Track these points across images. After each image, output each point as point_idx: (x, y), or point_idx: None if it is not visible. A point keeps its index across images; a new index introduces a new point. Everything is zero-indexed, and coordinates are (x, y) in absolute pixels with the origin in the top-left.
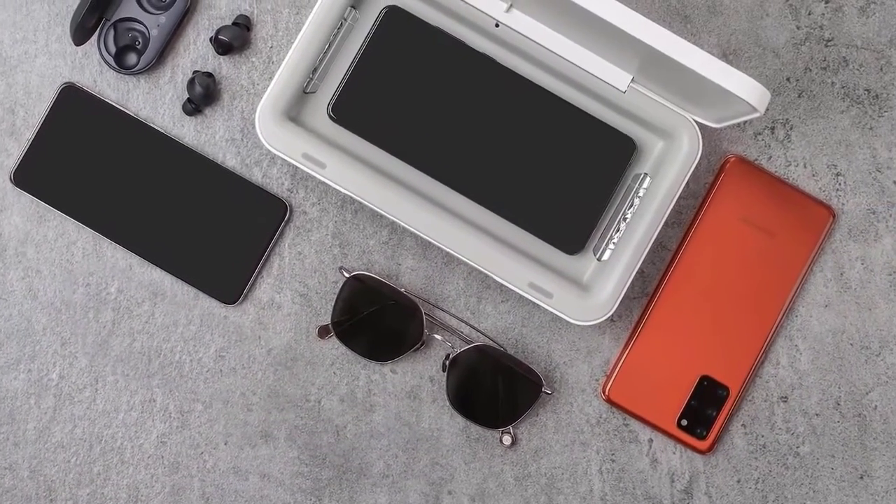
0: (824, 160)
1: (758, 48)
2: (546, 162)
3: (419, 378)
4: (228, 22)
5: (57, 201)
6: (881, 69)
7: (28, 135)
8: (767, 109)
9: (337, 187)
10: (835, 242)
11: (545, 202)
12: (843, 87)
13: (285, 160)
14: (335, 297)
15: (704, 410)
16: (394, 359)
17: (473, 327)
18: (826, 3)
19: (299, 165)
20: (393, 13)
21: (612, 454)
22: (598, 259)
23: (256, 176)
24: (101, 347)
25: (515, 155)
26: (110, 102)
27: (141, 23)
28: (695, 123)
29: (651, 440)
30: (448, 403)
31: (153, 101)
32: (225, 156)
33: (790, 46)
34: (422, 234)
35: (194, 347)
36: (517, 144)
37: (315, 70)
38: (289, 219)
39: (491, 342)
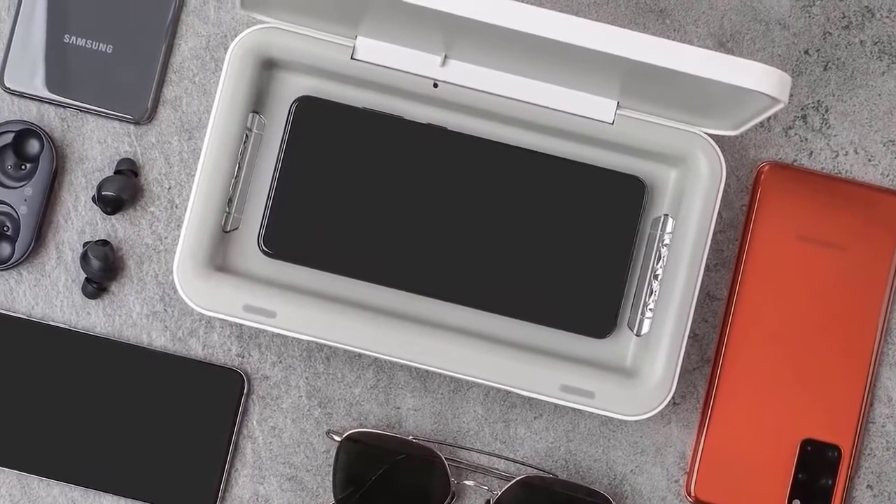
0: (877, 138)
1: (759, 24)
2: (542, 235)
3: None
4: (110, 172)
5: None
6: None
7: None
8: (791, 96)
9: (296, 335)
10: None
11: (554, 284)
12: (875, 44)
13: (225, 320)
14: (332, 468)
15: (817, 481)
16: None
17: (510, 459)
18: None
19: (243, 322)
20: (306, 105)
21: None
22: (637, 334)
23: (195, 349)
24: None
25: (502, 237)
26: None
27: (3, 202)
28: (708, 137)
29: None
30: None
31: (45, 294)
32: (150, 335)
33: (798, 11)
34: (415, 364)
35: None
36: (501, 224)
37: (230, 201)
38: (249, 391)
39: (536, 471)
